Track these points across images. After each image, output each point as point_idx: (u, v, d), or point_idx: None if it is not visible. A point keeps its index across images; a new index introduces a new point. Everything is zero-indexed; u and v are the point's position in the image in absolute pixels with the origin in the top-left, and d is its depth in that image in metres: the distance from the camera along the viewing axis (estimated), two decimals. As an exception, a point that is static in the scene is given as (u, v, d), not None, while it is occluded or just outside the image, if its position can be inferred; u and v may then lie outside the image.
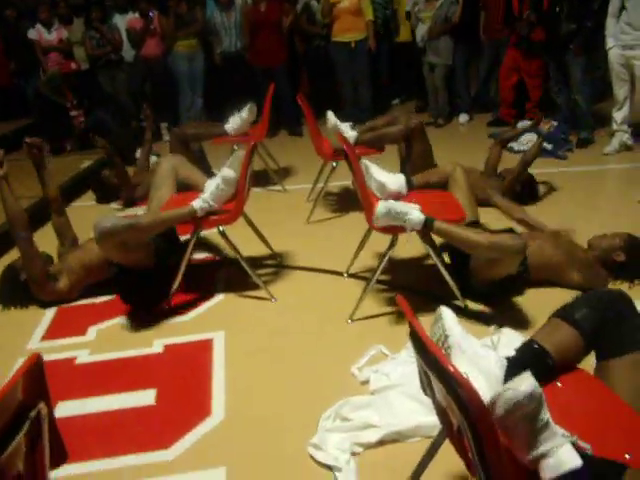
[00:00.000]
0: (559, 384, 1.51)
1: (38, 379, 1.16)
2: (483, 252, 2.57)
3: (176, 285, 3.00)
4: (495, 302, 2.82)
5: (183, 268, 2.99)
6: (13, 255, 3.35)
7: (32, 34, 6.39)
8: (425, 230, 2.58)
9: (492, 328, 1.55)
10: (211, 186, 2.96)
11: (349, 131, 3.80)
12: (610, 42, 4.86)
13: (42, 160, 3.29)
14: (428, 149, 3.65)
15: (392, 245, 2.72)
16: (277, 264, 3.47)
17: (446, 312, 1.43)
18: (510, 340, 1.88)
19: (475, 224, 2.91)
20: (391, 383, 2.25)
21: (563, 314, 1.63)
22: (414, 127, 3.62)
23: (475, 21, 6.40)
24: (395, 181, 2.94)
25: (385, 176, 2.92)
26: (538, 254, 2.85)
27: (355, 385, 2.33)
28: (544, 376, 1.49)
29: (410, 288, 3.04)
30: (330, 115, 3.82)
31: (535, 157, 3.95)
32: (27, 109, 6.68)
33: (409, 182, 3.00)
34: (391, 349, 2.49)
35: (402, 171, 3.60)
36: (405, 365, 2.33)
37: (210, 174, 3.69)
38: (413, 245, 3.06)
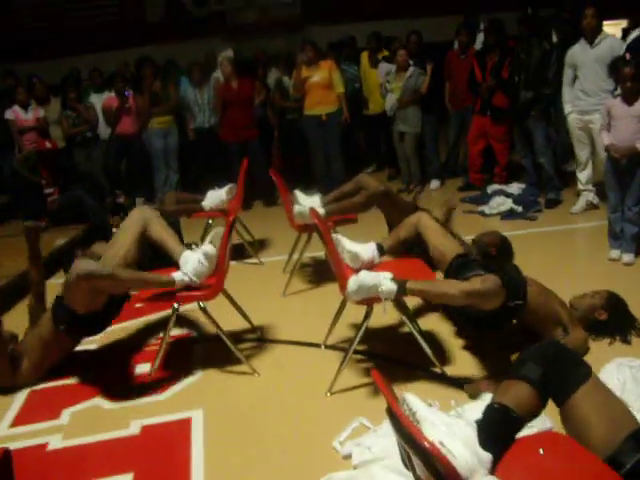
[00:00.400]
0: (541, 451, 1.50)
1: (5, 474, 1.12)
2: (461, 301, 2.57)
3: (157, 364, 2.97)
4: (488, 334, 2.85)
5: (164, 346, 2.96)
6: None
7: (9, 114, 6.47)
8: (399, 296, 2.57)
9: (453, 402, 1.61)
10: (192, 261, 2.94)
11: (319, 209, 3.85)
12: (567, 108, 5.11)
13: (37, 244, 3.23)
14: (403, 208, 3.68)
15: (367, 316, 2.72)
16: (256, 338, 3.43)
17: (409, 396, 1.47)
18: (475, 408, 1.90)
19: (465, 256, 2.94)
20: (374, 457, 2.21)
21: (511, 373, 1.75)
22: (373, 195, 3.64)
23: (441, 91, 6.66)
24: (367, 250, 2.98)
25: (356, 246, 2.96)
26: (536, 298, 2.79)
27: (337, 459, 2.29)
28: (512, 429, 1.61)
29: (388, 357, 3.02)
30: (299, 195, 3.87)
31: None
32: (2, 187, 6.69)
33: (380, 248, 3.03)
34: (373, 421, 2.45)
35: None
36: (387, 437, 2.29)
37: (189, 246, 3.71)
38: (389, 313, 3.07)
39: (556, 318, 2.82)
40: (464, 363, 2.94)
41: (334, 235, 2.94)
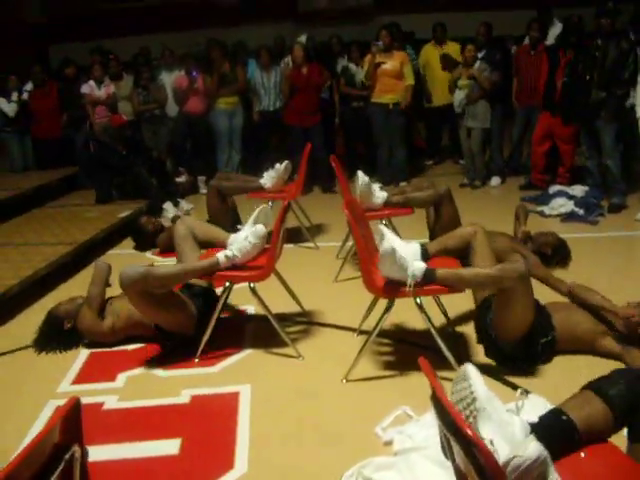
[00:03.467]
0: (582, 455, 1.50)
1: (74, 422, 1.21)
2: (491, 281, 2.58)
3: (206, 338, 3.06)
4: (521, 368, 2.80)
5: (213, 322, 3.05)
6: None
7: (85, 89, 6.79)
8: (428, 277, 2.58)
9: (518, 392, 1.54)
10: (239, 238, 3.03)
11: (378, 192, 3.86)
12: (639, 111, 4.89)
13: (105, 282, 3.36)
14: (456, 214, 3.69)
15: (388, 308, 2.75)
16: (305, 321, 3.50)
17: (473, 372, 1.42)
18: (534, 406, 1.87)
19: None
20: (415, 445, 2.23)
21: (597, 387, 1.58)
22: (443, 193, 3.64)
23: (508, 87, 6.54)
24: (409, 251, 2.81)
25: (398, 244, 2.80)
26: (566, 324, 2.82)
27: (378, 445, 2.33)
28: (568, 449, 1.49)
29: (434, 348, 3.03)
30: (360, 174, 3.86)
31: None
32: (74, 159, 6.99)
33: (425, 254, 2.90)
34: (416, 411, 2.48)
35: (431, 237, 3.64)
36: (429, 428, 2.31)
37: (235, 229, 3.81)
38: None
39: (590, 337, 2.81)
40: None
41: (379, 227, 2.85)
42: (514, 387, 2.65)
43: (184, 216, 3.70)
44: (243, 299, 3.65)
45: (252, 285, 3.06)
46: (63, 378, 3.00)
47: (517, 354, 2.78)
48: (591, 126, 5.44)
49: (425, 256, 2.88)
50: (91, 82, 6.80)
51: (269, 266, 3.04)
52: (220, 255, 2.97)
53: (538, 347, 2.76)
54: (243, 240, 3.00)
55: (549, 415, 1.59)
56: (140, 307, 2.90)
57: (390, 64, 6.34)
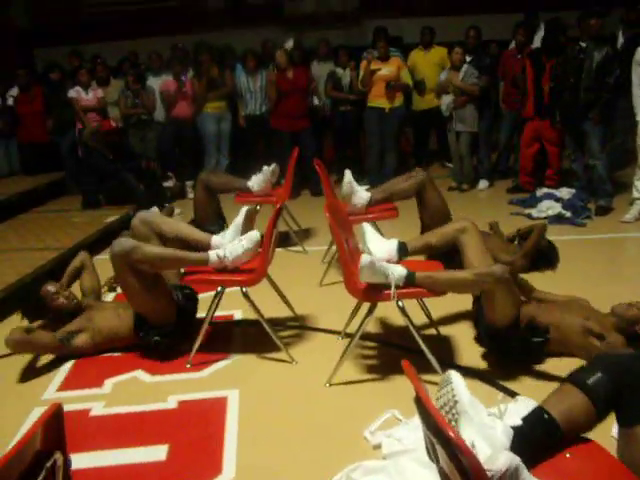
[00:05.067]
0: (568, 455, 1.50)
1: (57, 429, 1.20)
2: (470, 286, 2.60)
3: (198, 344, 3.04)
4: (513, 367, 2.81)
5: (205, 326, 3.03)
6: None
7: (72, 93, 6.76)
8: (408, 281, 2.59)
9: (499, 396, 1.55)
10: (232, 242, 2.99)
11: (363, 193, 3.85)
12: None
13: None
14: (440, 199, 3.67)
15: (370, 312, 2.75)
16: (293, 326, 3.49)
17: (455, 377, 1.43)
18: (518, 408, 1.87)
19: None
20: (404, 448, 2.23)
21: (575, 379, 1.59)
22: (422, 180, 3.64)
23: (496, 90, 6.58)
24: (385, 248, 2.87)
25: (376, 242, 2.88)
26: (557, 326, 2.82)
27: (367, 449, 2.32)
28: (551, 447, 1.50)
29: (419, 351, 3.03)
30: (347, 173, 3.84)
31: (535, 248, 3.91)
32: (60, 164, 6.95)
33: (403, 250, 2.90)
34: (405, 414, 2.47)
35: (422, 228, 3.64)
36: (418, 431, 2.29)
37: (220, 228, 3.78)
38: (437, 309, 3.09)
39: (584, 329, 2.79)
40: (492, 365, 2.93)
41: (363, 224, 2.92)
42: (504, 390, 2.66)
43: (141, 212, 3.40)
44: (230, 304, 3.63)
45: (244, 290, 3.03)
46: (49, 385, 2.97)
47: (510, 347, 2.78)
48: (578, 128, 5.48)
49: (403, 253, 2.88)
50: (77, 87, 6.77)
51: (262, 270, 3.02)
52: (212, 254, 2.94)
53: (531, 344, 2.75)
54: (237, 243, 2.96)
55: (531, 416, 1.59)
56: (125, 282, 2.89)
57: (386, 69, 6.39)
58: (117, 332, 3.14)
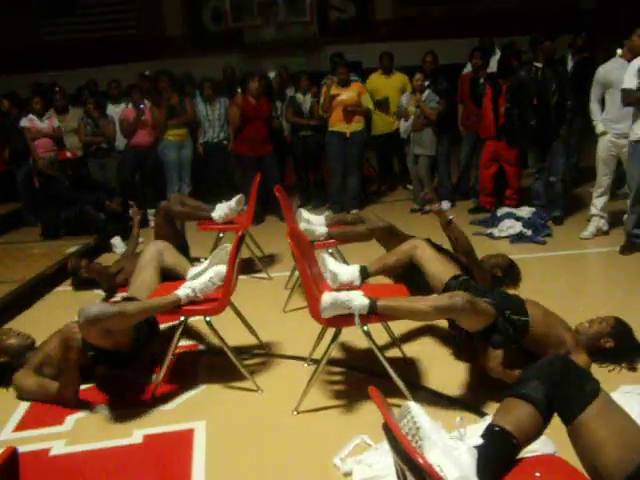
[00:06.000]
0: (538, 474, 1.51)
1: (11, 474, 1.14)
2: (432, 317, 2.66)
3: (162, 376, 2.98)
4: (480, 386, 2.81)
5: (169, 357, 2.98)
6: None
7: (24, 122, 6.54)
8: (371, 311, 2.59)
9: (457, 420, 1.59)
10: (202, 279, 2.97)
11: (321, 229, 3.87)
12: (600, 127, 5.02)
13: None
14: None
15: (336, 337, 2.75)
16: (257, 354, 3.44)
17: (413, 406, 1.46)
18: (478, 429, 1.89)
19: (463, 276, 2.99)
20: (374, 474, 2.21)
21: (515, 392, 1.69)
22: (376, 229, 3.69)
23: (453, 113, 6.71)
24: (348, 272, 2.98)
25: (338, 267, 2.96)
26: (539, 320, 2.80)
27: (338, 477, 2.29)
28: (512, 456, 1.58)
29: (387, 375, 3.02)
30: (303, 214, 3.92)
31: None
32: (16, 194, 6.80)
33: (364, 273, 3.03)
34: (374, 438, 2.45)
35: None
36: (389, 455, 2.29)
37: (187, 255, 3.75)
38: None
39: (559, 341, 2.78)
40: (461, 385, 2.94)
41: (321, 253, 3.00)
42: (473, 410, 2.66)
43: (156, 241, 3.62)
44: (194, 333, 3.58)
45: (208, 319, 3.00)
46: (5, 425, 2.85)
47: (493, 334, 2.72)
48: (547, 147, 5.60)
49: (364, 276, 3.01)
50: (31, 116, 6.56)
51: (225, 299, 3.00)
52: (181, 292, 2.91)
53: (511, 324, 2.70)
54: (207, 281, 2.96)
55: (485, 433, 1.65)
56: (92, 337, 2.75)
57: (346, 95, 6.45)
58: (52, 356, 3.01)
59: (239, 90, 6.77)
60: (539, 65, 5.55)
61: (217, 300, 2.97)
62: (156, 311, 2.96)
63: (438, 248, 3.32)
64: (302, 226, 3.82)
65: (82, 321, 2.62)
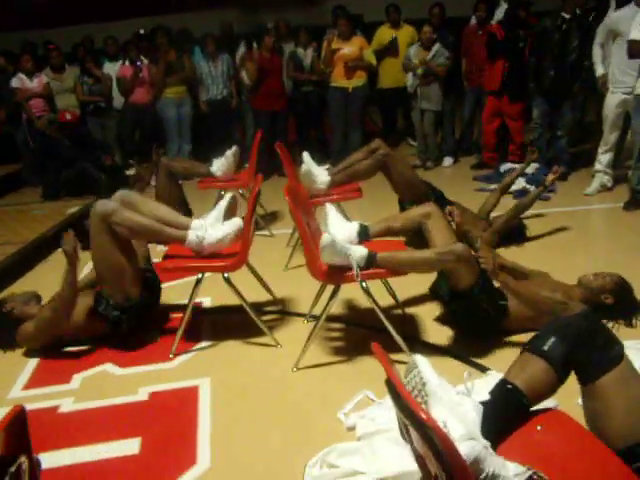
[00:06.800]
0: (539, 428, 1.52)
1: (20, 432, 1.15)
2: (433, 264, 2.66)
3: (181, 332, 2.99)
4: (480, 342, 2.84)
5: (189, 313, 2.98)
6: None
7: (15, 82, 6.41)
8: (370, 262, 2.58)
9: (465, 374, 1.58)
10: (219, 231, 2.93)
11: (323, 176, 3.81)
12: (600, 69, 4.93)
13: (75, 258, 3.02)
14: (406, 170, 3.67)
15: (334, 294, 2.75)
16: (271, 311, 3.45)
17: (421, 360, 1.45)
18: (486, 384, 1.90)
19: None
20: (377, 429, 2.24)
21: (532, 347, 1.65)
22: (381, 158, 3.63)
23: (458, 68, 6.59)
24: (344, 231, 2.90)
25: (337, 225, 2.90)
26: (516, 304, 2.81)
27: (342, 431, 2.32)
28: (521, 415, 1.55)
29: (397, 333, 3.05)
30: (306, 156, 3.82)
31: (530, 206, 4.03)
32: (15, 155, 6.74)
33: (364, 233, 2.93)
34: (378, 394, 2.48)
35: (399, 201, 3.61)
36: (391, 410, 2.32)
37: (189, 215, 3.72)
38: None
39: (548, 307, 2.70)
40: (461, 341, 2.96)
41: (327, 206, 2.94)
42: (474, 365, 2.69)
43: (121, 191, 3.14)
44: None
45: (226, 275, 2.96)
46: (13, 384, 2.89)
47: (473, 307, 2.77)
48: (557, 102, 5.48)
49: (364, 236, 2.91)
50: (20, 75, 6.41)
51: (244, 255, 2.96)
52: (191, 233, 2.89)
53: (496, 304, 2.76)
54: (218, 227, 2.92)
55: (495, 389, 1.63)
56: (98, 243, 2.85)
57: (348, 49, 6.33)
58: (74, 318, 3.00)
59: (242, 45, 6.66)
60: (566, 16, 5.33)
61: (236, 256, 2.93)
62: (160, 235, 2.97)
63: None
64: (302, 174, 3.74)
65: (93, 213, 2.78)
